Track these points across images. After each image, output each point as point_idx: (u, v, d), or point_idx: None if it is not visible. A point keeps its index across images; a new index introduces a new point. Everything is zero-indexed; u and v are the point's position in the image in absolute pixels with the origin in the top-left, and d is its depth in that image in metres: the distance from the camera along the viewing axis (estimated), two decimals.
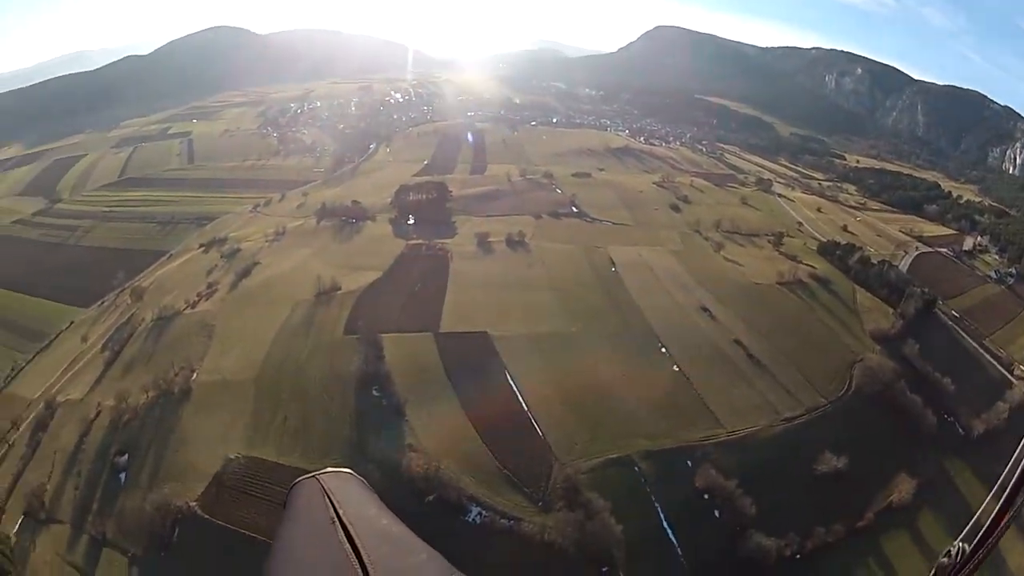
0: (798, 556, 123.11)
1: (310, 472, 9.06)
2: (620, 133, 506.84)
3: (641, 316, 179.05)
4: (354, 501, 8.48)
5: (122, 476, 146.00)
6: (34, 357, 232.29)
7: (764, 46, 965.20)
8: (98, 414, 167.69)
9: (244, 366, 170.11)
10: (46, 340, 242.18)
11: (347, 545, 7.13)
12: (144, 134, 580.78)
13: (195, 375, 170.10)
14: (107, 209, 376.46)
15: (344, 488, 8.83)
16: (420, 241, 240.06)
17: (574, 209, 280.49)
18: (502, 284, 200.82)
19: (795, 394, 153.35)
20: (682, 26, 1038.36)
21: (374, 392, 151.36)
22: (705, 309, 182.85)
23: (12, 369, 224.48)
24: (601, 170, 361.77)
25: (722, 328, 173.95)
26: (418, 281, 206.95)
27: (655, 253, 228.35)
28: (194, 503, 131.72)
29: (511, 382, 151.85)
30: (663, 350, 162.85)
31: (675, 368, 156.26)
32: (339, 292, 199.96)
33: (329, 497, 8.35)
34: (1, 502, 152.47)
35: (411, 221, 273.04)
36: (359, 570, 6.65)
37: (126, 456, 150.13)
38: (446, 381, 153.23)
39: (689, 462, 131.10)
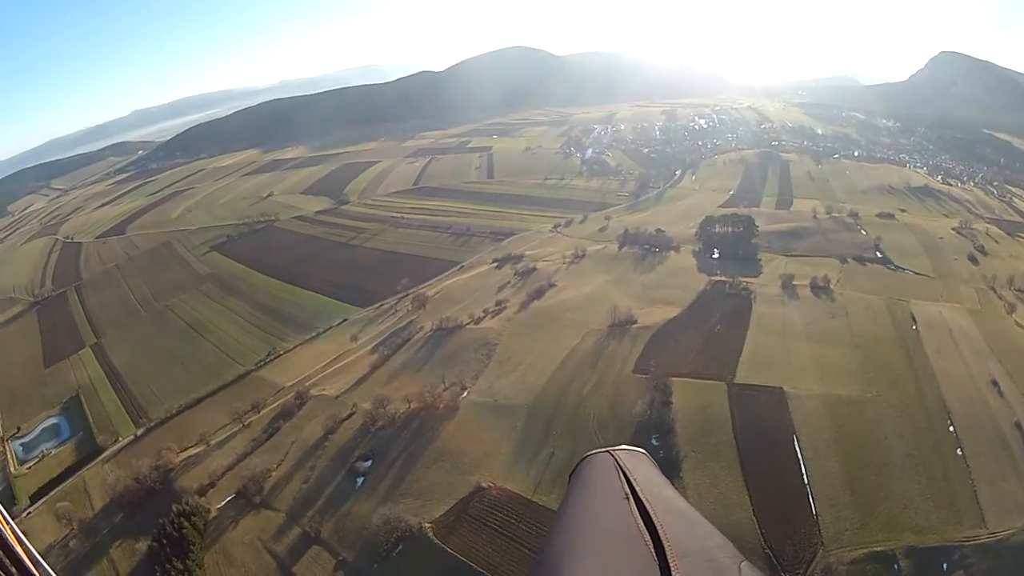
0: None
1: None
2: (918, 170, 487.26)
3: (936, 386, 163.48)
4: (648, 479, 8.47)
5: (359, 480, 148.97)
6: (295, 347, 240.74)
7: None
8: (351, 415, 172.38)
9: (520, 392, 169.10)
10: (313, 333, 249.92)
11: (640, 520, 7.34)
12: (442, 146, 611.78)
13: (465, 393, 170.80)
14: (398, 215, 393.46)
15: (638, 466, 8.82)
16: (724, 278, 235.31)
17: (878, 254, 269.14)
18: (804, 334, 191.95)
19: None
20: (963, 52, 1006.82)
21: (653, 440, 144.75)
22: (995, 383, 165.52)
23: (268, 355, 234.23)
24: (903, 211, 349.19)
25: (1007, 407, 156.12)
26: (718, 322, 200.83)
27: (954, 312, 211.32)
28: (428, 524, 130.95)
29: (797, 448, 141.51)
30: (951, 429, 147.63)
31: (959, 451, 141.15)
32: (634, 326, 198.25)
33: (624, 472, 8.46)
34: (215, 477, 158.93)
35: (716, 255, 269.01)
36: (651, 546, 6.85)
37: (369, 462, 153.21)
38: (731, 438, 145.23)
39: (945, 564, 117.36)
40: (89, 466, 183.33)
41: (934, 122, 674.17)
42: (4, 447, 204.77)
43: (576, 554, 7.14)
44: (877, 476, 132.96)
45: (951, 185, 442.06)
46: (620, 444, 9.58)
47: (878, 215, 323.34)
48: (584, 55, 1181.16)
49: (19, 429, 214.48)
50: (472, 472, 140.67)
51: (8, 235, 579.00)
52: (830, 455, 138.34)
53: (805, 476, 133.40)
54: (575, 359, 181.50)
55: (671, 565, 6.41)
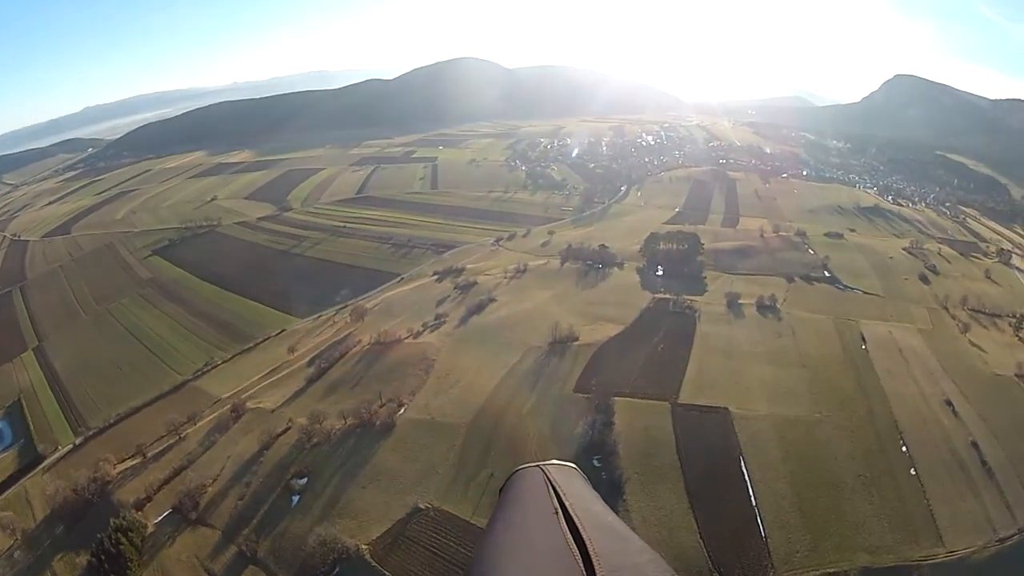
0: None
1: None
2: (868, 190, 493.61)
3: (887, 406, 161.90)
4: (579, 495, 8.45)
5: (294, 499, 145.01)
6: (232, 357, 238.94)
7: (994, 98, 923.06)
8: (286, 430, 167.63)
9: (458, 409, 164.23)
10: (251, 343, 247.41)
11: (569, 535, 7.29)
12: (387, 155, 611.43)
13: (402, 410, 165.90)
14: (340, 224, 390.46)
15: (569, 481, 8.81)
16: (668, 296, 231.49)
17: (826, 274, 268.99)
18: (750, 353, 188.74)
19: (1013, 508, 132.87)
20: (918, 75, 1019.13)
21: (595, 462, 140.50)
22: (949, 403, 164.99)
23: (206, 364, 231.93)
24: (852, 230, 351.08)
25: (962, 427, 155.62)
26: (661, 341, 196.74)
27: (905, 332, 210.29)
28: (365, 546, 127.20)
29: (744, 470, 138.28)
30: (904, 449, 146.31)
31: (912, 472, 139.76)
32: (575, 343, 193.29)
33: (554, 487, 8.47)
34: (151, 491, 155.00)
35: (660, 272, 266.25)
36: (579, 561, 6.77)
37: (305, 480, 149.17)
38: (675, 460, 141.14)
39: None
40: (30, 475, 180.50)
41: (886, 143, 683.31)
42: None
43: (504, 570, 7.10)
44: (828, 497, 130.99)
45: (902, 205, 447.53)
46: (552, 459, 9.46)
47: (826, 234, 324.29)
48: (535, 68, 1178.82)
49: None
50: (409, 492, 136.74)
51: None
52: (778, 477, 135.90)
53: (753, 498, 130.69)
54: (515, 377, 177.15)
55: None
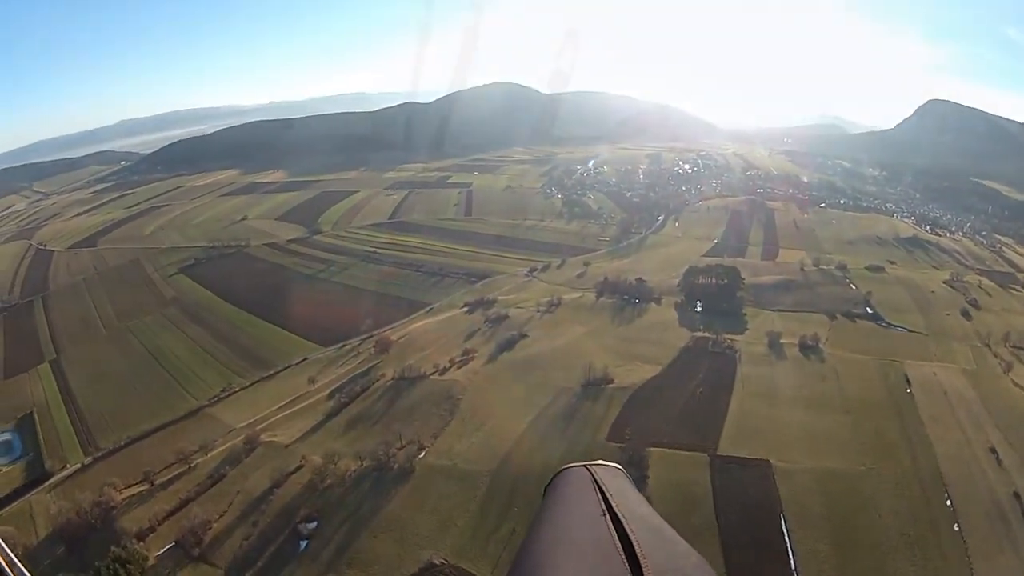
0: None
1: None
2: (906, 220, 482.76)
3: (932, 456, 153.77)
4: (625, 496, 8.37)
5: (302, 544, 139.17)
6: (251, 385, 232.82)
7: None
8: (299, 468, 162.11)
9: (482, 456, 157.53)
10: (271, 371, 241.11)
11: (616, 537, 7.20)
12: (422, 180, 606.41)
13: (423, 454, 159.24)
14: (371, 249, 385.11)
15: (615, 482, 8.71)
16: (707, 334, 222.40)
17: (868, 310, 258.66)
18: (792, 398, 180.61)
19: None
20: (953, 100, 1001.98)
21: None
22: (993, 450, 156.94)
23: (223, 391, 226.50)
24: (892, 263, 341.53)
25: (1006, 476, 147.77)
26: (700, 384, 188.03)
27: (949, 373, 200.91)
28: None
29: (784, 528, 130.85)
30: (948, 503, 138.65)
31: (955, 527, 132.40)
32: (610, 386, 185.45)
33: (600, 488, 8.36)
34: (155, 522, 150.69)
35: (699, 308, 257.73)
36: (625, 562, 6.76)
37: (315, 524, 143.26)
38: (712, 518, 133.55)
39: None
40: (36, 491, 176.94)
41: (921, 171, 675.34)
42: None
43: (551, 570, 7.08)
44: (869, 558, 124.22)
45: (940, 235, 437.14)
46: (598, 460, 9.34)
47: (867, 268, 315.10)
48: (572, 95, 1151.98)
49: None
50: (424, 546, 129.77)
51: None
52: (820, 536, 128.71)
53: (792, 560, 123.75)
54: (545, 421, 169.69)
55: None
